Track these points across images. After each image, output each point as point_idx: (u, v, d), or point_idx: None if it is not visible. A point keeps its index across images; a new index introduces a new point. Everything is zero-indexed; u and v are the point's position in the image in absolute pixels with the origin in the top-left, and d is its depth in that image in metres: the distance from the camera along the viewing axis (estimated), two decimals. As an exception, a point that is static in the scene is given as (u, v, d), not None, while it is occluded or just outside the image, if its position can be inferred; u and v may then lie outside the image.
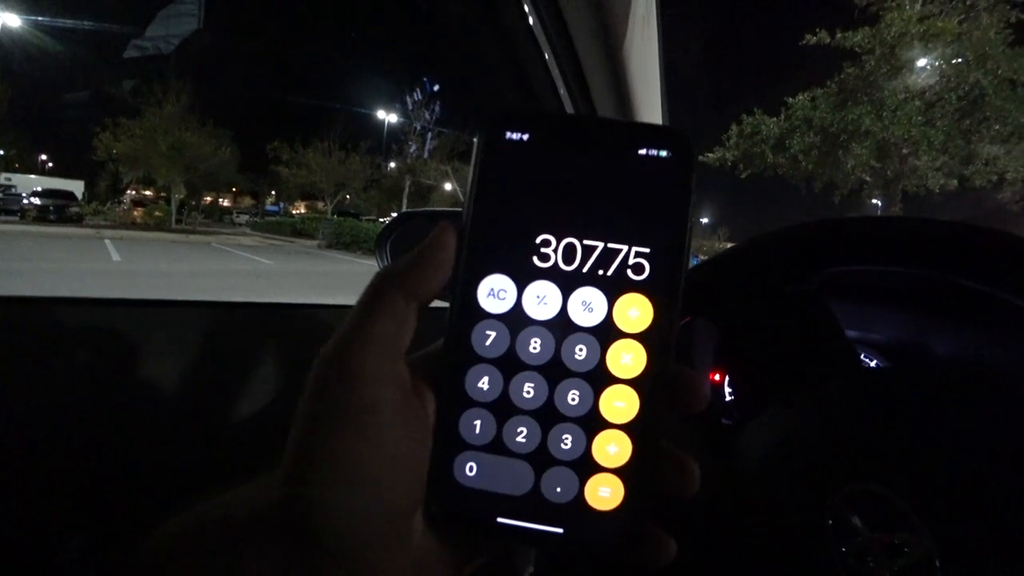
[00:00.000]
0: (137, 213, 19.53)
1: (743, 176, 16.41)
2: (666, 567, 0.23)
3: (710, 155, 16.44)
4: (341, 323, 0.24)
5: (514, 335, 0.24)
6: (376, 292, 0.24)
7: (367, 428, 0.22)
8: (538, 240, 0.24)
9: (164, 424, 0.78)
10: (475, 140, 0.25)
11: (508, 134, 0.24)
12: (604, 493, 0.23)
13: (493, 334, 0.24)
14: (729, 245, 0.71)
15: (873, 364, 0.76)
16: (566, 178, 0.24)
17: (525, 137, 0.24)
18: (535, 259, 0.24)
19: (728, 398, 0.66)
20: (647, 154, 0.24)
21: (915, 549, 0.35)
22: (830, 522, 0.39)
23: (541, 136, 0.24)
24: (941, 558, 0.34)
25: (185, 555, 0.22)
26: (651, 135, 0.24)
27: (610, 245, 0.24)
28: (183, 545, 0.22)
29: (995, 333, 0.64)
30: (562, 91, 0.92)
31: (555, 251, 0.24)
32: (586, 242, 0.24)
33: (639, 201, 0.24)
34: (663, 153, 0.24)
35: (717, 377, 0.67)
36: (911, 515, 0.35)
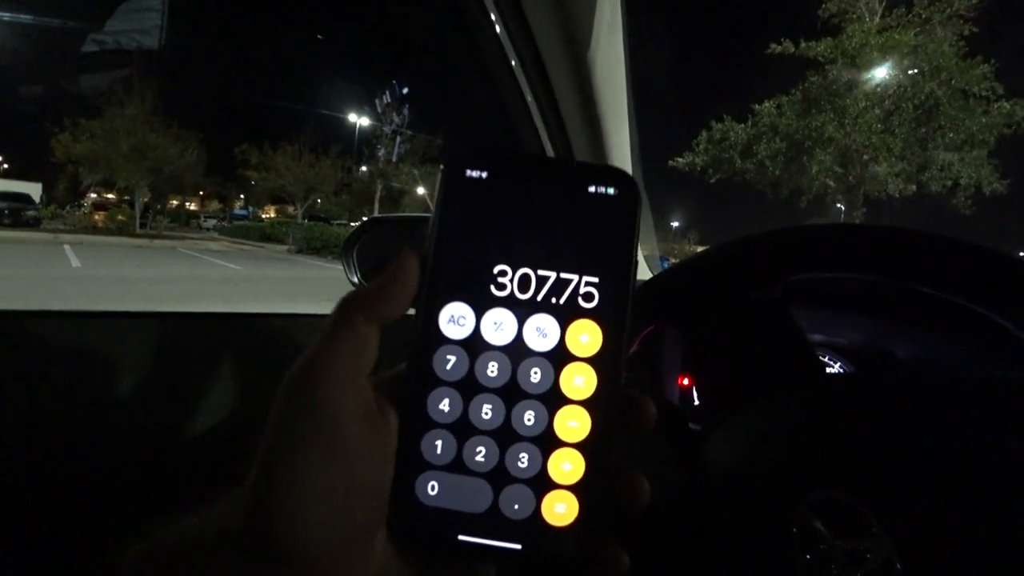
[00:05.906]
0: (98, 217, 18.90)
1: (712, 181, 16.74)
2: None
3: (680, 160, 16.75)
4: (310, 340, 0.25)
5: (473, 359, 0.25)
6: (340, 318, 0.25)
7: (329, 447, 0.22)
8: (495, 270, 0.26)
9: (125, 441, 0.75)
10: (439, 177, 0.27)
11: (468, 172, 0.26)
12: (560, 509, 0.24)
13: (453, 358, 0.25)
14: (699, 248, 0.72)
15: (837, 367, 0.77)
16: (522, 213, 0.26)
17: (484, 175, 0.26)
18: (493, 288, 0.26)
19: (696, 403, 0.66)
20: (596, 191, 0.26)
21: (877, 555, 0.35)
22: (795, 529, 0.39)
23: (499, 174, 0.26)
24: (902, 563, 0.34)
25: None
26: (599, 175, 0.26)
27: (562, 275, 0.26)
28: (147, 569, 0.22)
29: (950, 336, 0.66)
30: (529, 97, 0.92)
31: (511, 281, 0.26)
32: (540, 272, 0.26)
33: (588, 235, 0.26)
34: (610, 191, 0.26)
35: (686, 382, 0.67)
36: (872, 521, 0.36)
